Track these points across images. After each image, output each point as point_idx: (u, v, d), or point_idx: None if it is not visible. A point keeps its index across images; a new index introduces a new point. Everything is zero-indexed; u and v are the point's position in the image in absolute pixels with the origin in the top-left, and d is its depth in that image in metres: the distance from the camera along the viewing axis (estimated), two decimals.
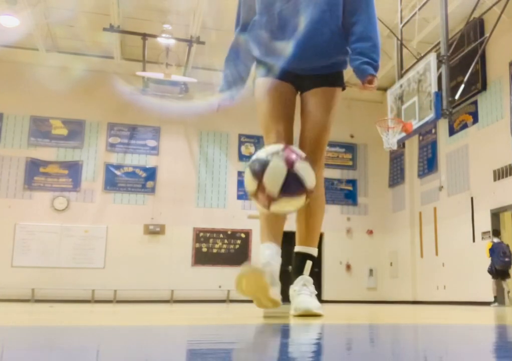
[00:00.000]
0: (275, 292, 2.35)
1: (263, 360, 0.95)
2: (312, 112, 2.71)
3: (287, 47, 2.64)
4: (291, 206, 2.27)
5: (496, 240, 10.61)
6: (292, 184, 2.17)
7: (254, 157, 2.26)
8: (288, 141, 2.64)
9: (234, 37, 2.88)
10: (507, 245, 10.41)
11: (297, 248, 2.68)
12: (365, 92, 2.66)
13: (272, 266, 2.47)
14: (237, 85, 2.86)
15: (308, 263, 2.62)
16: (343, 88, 2.86)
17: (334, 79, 2.77)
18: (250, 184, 2.22)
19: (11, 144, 13.83)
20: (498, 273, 10.31)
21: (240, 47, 2.84)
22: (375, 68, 2.62)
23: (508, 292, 10.33)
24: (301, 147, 2.63)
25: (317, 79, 2.73)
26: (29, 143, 13.92)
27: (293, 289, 2.54)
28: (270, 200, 2.21)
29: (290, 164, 2.18)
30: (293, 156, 2.22)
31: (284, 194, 2.18)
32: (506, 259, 10.14)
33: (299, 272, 2.58)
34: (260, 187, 2.19)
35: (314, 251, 2.68)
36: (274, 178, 2.17)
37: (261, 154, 2.23)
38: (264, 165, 2.18)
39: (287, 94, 2.73)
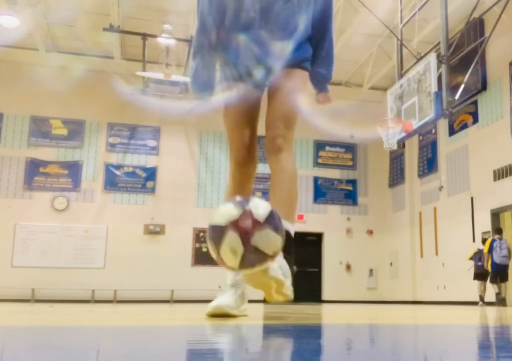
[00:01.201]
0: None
1: (263, 360, 0.95)
2: (281, 90, 2.63)
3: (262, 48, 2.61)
4: (255, 272, 2.08)
5: (481, 247, 11.25)
6: (250, 258, 1.98)
7: (212, 221, 2.03)
8: (252, 148, 2.68)
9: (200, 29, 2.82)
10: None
11: None
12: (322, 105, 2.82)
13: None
14: (211, 85, 2.78)
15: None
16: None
17: (300, 62, 2.72)
18: (211, 251, 2.05)
19: (11, 144, 13.83)
20: (476, 276, 11.33)
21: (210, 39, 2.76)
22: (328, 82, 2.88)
23: (481, 294, 11.24)
24: (270, 125, 2.58)
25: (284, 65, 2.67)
26: (29, 143, 13.92)
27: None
28: (232, 269, 2.07)
29: (246, 238, 1.96)
30: (250, 224, 1.98)
31: (244, 267, 2.00)
32: (479, 263, 11.13)
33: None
34: (219, 258, 2.02)
35: (287, 226, 2.43)
36: (230, 254, 1.97)
37: (218, 218, 2.00)
38: (220, 237, 1.97)
39: (254, 102, 2.72)
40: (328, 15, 2.79)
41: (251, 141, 2.69)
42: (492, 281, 10.75)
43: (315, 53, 2.77)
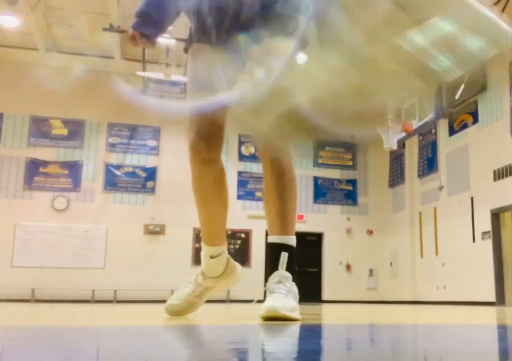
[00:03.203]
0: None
1: (263, 360, 0.95)
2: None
3: None
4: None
5: None
6: None
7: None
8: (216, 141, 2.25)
9: None
10: None
11: (270, 238, 2.25)
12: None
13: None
14: (166, 15, 2.38)
15: (284, 256, 2.15)
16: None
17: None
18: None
19: (11, 144, 13.83)
20: None
21: None
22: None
23: None
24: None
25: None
26: (29, 143, 13.92)
27: (267, 286, 2.15)
28: None
29: None
30: None
31: None
32: None
33: (275, 267, 2.16)
34: None
35: (290, 240, 2.21)
36: None
37: None
38: None
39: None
40: None
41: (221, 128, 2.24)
42: None
43: None
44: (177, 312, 2.40)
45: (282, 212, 2.21)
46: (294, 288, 2.13)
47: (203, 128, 2.22)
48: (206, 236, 2.47)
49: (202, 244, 2.48)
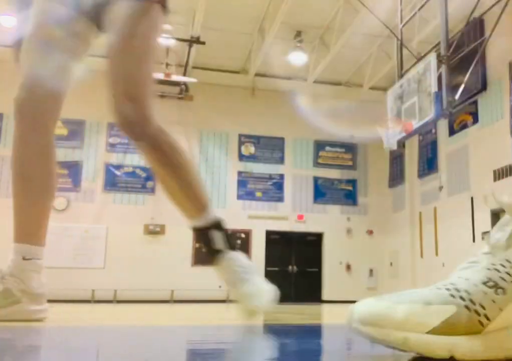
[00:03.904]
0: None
1: (263, 360, 0.95)
2: (113, 32, 1.88)
3: None
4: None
5: None
6: None
7: None
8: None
9: None
10: None
11: (189, 225, 1.99)
12: None
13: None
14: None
15: (217, 235, 1.88)
16: (162, 5, 1.90)
17: None
18: None
19: (11, 144, 13.82)
20: None
21: None
22: None
23: None
24: (112, 87, 1.87)
25: None
26: None
27: (226, 280, 1.85)
28: None
29: None
30: None
31: None
32: None
33: (213, 252, 1.86)
34: None
35: (209, 217, 1.93)
36: None
37: None
38: None
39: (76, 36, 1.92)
40: None
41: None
42: None
43: None
44: None
45: (183, 191, 1.89)
46: (243, 259, 1.86)
47: (39, 83, 1.85)
48: (21, 229, 1.90)
49: (14, 244, 1.89)
